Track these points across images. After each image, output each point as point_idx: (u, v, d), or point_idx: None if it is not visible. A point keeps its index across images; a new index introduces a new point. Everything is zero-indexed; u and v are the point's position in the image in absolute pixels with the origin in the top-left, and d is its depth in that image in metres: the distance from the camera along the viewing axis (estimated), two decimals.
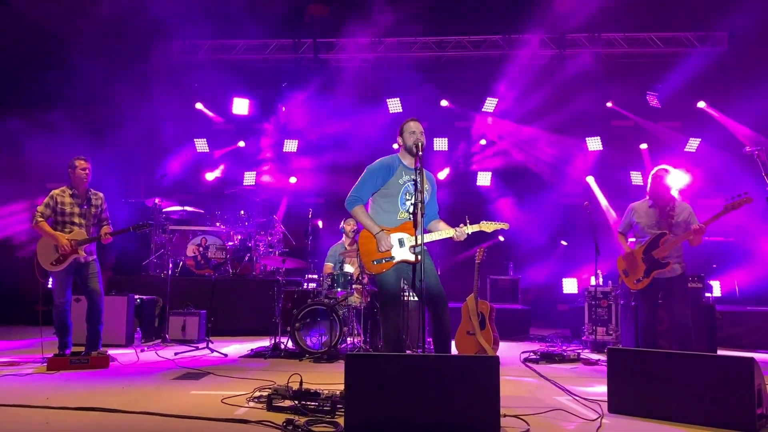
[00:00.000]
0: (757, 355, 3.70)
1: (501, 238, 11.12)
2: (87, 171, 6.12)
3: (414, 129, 4.63)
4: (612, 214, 11.00)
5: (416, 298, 6.82)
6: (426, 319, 4.28)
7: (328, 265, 7.67)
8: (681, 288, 5.64)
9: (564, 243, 11.15)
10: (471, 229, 4.59)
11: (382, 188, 4.65)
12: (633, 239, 6.07)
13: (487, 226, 4.64)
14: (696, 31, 11.21)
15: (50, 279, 6.15)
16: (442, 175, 11.47)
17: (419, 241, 4.14)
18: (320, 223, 8.55)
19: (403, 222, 4.59)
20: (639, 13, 10.93)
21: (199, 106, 11.73)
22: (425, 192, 4.64)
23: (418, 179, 4.22)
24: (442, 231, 4.62)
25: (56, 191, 6.06)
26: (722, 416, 3.61)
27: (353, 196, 4.65)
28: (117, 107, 11.55)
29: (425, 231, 4.62)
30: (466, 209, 4.73)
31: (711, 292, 9.06)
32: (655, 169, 5.85)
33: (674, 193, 5.96)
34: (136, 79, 11.79)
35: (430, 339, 6.05)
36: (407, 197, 4.63)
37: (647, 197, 5.92)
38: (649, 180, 5.88)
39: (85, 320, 6.09)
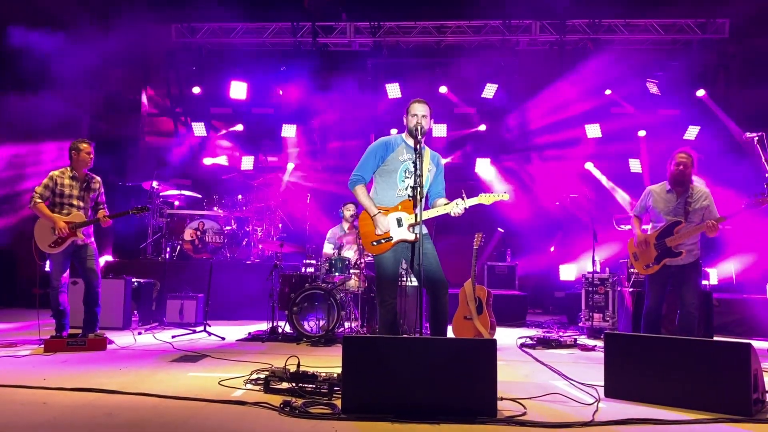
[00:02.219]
0: (753, 342, 3.70)
1: (501, 230, 11.12)
2: (92, 155, 6.12)
3: (416, 111, 4.57)
4: (618, 192, 11.04)
5: (415, 283, 6.84)
6: (424, 304, 4.27)
7: (328, 246, 7.66)
8: (693, 276, 5.48)
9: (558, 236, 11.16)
10: (469, 202, 4.47)
11: (382, 165, 4.63)
12: (647, 227, 5.89)
13: (487, 198, 4.52)
14: (697, 17, 11.14)
15: (47, 261, 6.15)
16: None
17: (419, 219, 4.11)
18: (307, 200, 8.52)
19: (402, 200, 4.56)
20: None
21: (196, 90, 11.66)
22: (428, 172, 4.63)
23: (418, 162, 4.19)
24: (439, 207, 4.56)
25: (55, 172, 6.04)
26: (718, 401, 3.62)
27: (355, 176, 4.64)
28: (114, 90, 11.49)
29: (426, 208, 4.60)
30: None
31: (708, 280, 9.09)
32: (678, 152, 5.59)
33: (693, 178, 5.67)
34: (134, 61, 11.71)
35: (427, 324, 6.08)
36: (406, 175, 4.59)
37: (666, 181, 5.69)
38: (670, 163, 5.62)
39: (83, 302, 6.10)
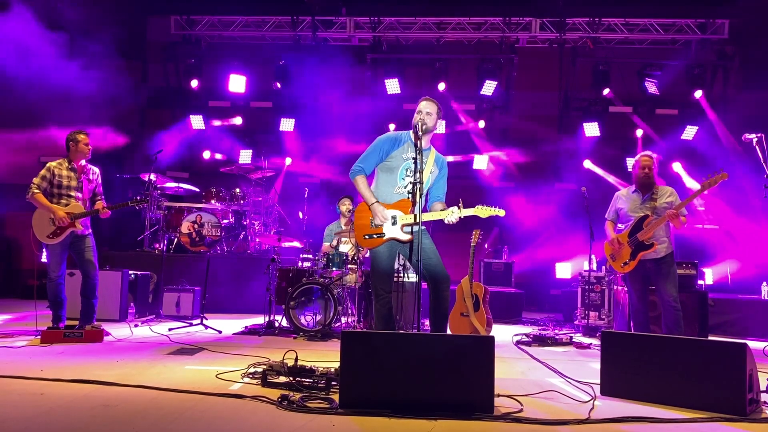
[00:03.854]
0: (748, 342, 3.72)
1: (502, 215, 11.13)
2: (90, 146, 6.11)
3: (421, 108, 4.60)
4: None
5: (412, 279, 6.85)
6: (422, 299, 4.27)
7: (327, 245, 7.67)
8: (668, 270, 5.63)
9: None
10: (465, 212, 4.48)
11: (386, 160, 4.64)
12: (622, 226, 6.03)
13: (483, 211, 4.52)
14: (696, 18, 11.15)
15: (44, 252, 6.13)
16: None
17: (417, 220, 4.12)
18: (300, 214, 8.51)
19: (400, 199, 4.57)
20: None
21: (194, 83, 11.61)
22: (429, 173, 4.63)
23: (418, 159, 4.19)
24: (434, 213, 4.56)
25: (53, 163, 6.01)
26: (713, 400, 3.64)
27: (357, 166, 4.65)
28: (112, 82, 11.43)
29: (424, 211, 4.60)
30: (461, 193, 4.67)
31: (704, 280, 9.13)
32: (641, 156, 5.93)
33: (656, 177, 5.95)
34: (133, 53, 11.67)
35: (425, 320, 6.10)
36: (407, 173, 4.59)
37: (633, 184, 6.01)
38: (635, 167, 5.96)
39: (80, 294, 6.09)
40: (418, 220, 4.11)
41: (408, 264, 6.45)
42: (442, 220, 4.53)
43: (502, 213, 4.56)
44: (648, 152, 5.96)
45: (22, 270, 10.44)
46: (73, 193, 6.01)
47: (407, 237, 4.47)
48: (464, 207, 4.48)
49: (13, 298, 9.73)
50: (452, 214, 4.46)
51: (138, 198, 6.20)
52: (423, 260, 4.32)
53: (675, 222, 5.48)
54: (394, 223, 4.52)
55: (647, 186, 5.82)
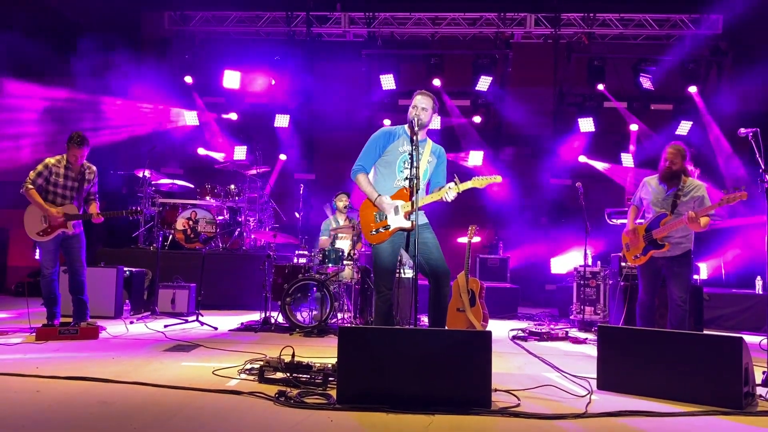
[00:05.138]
0: (743, 336, 3.74)
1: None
2: (88, 147, 6.05)
3: (416, 103, 4.58)
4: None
5: (410, 274, 6.84)
6: (419, 295, 4.27)
7: (324, 239, 7.64)
8: (680, 269, 5.39)
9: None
10: (462, 186, 4.40)
11: (383, 155, 4.64)
12: (641, 220, 5.84)
13: (480, 182, 4.44)
14: (691, 13, 11.18)
15: (37, 250, 6.09)
16: None
17: (414, 217, 4.12)
18: (297, 215, 8.47)
19: (398, 189, 4.57)
20: None
21: (188, 79, 11.56)
22: (427, 164, 4.63)
23: (414, 153, 4.19)
24: (432, 195, 4.52)
25: (51, 160, 5.94)
26: (709, 394, 3.66)
27: (357, 165, 4.64)
28: (107, 78, 11.40)
29: None
30: None
31: (698, 274, 9.17)
32: (668, 146, 5.52)
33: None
34: (127, 49, 11.62)
35: (420, 316, 6.11)
36: (405, 166, 4.58)
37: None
38: (661, 158, 5.56)
39: (69, 291, 6.04)
40: (415, 218, 4.10)
41: (405, 259, 6.44)
42: (438, 208, 4.50)
43: (499, 179, 4.49)
44: (676, 143, 5.54)
45: (15, 267, 10.39)
46: (68, 193, 5.95)
47: (411, 223, 4.44)
48: (460, 181, 4.41)
49: (6, 295, 9.69)
50: (450, 191, 4.39)
51: (133, 209, 6.24)
52: (425, 255, 4.36)
53: (693, 226, 5.17)
54: (396, 213, 4.52)
55: (671, 180, 5.45)
